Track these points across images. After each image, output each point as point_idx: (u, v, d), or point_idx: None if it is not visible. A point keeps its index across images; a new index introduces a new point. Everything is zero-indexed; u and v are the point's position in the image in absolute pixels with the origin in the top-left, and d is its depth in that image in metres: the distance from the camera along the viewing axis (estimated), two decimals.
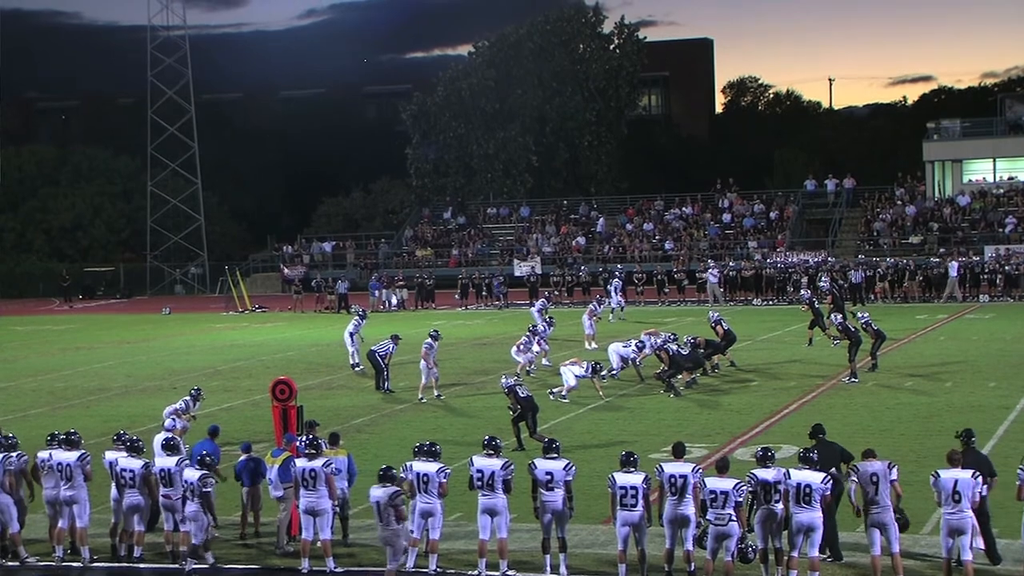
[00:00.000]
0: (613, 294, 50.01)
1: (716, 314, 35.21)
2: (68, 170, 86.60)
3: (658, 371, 31.05)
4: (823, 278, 53.69)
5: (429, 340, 30.97)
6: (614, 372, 32.06)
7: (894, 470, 15.60)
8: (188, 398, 24.41)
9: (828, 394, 29.69)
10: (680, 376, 30.55)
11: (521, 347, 33.70)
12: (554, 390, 29.77)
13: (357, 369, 35.70)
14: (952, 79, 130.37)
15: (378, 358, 31.96)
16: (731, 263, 61.71)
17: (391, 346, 32.33)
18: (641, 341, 32.44)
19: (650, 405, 28.95)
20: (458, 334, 45.16)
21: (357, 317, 38.09)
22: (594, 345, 38.97)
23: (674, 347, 30.96)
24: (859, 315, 33.94)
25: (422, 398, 30.48)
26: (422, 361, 30.67)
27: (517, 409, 24.18)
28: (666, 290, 58.61)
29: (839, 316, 34.07)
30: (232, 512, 19.10)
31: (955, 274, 54.72)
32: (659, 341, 31.66)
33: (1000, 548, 16.01)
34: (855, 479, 15.77)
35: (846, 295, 49.83)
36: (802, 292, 34.17)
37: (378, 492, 16.02)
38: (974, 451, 16.32)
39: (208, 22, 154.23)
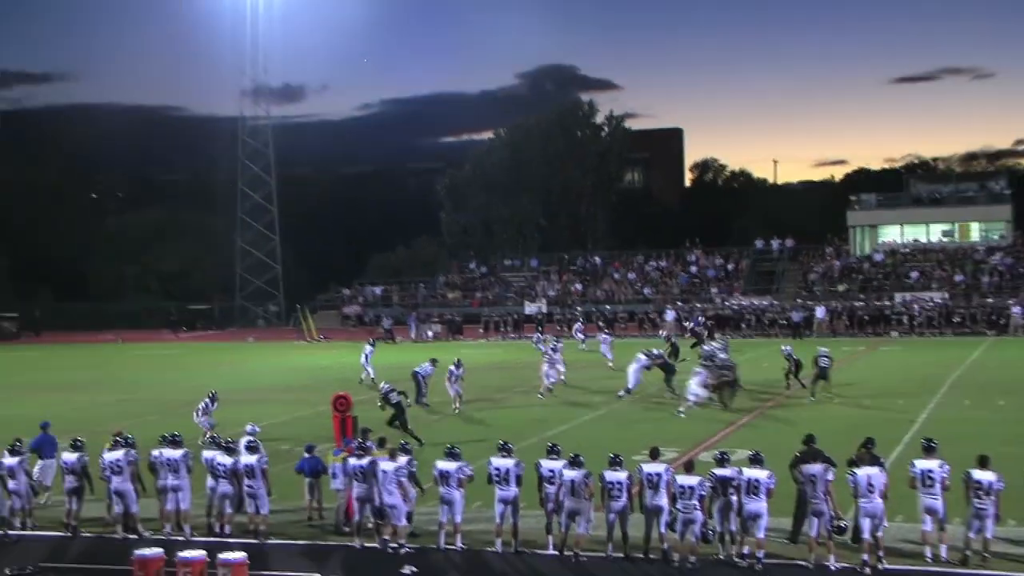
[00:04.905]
0: (577, 334, 49.18)
1: (788, 348, 33.83)
2: (176, 229, 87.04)
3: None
4: (698, 316, 53.29)
5: (451, 368, 31.03)
6: (629, 390, 31.43)
7: (830, 472, 15.55)
8: (207, 399, 24.67)
9: (773, 410, 29.63)
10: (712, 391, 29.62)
11: (547, 363, 33.39)
12: (681, 409, 28.79)
13: (367, 383, 35.78)
14: (863, 161, 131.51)
15: (419, 377, 31.76)
16: (697, 304, 61.77)
17: (430, 368, 32.23)
18: (639, 356, 32.07)
19: (634, 416, 28.93)
20: (482, 360, 45.15)
21: (369, 346, 38.60)
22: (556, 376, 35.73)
23: (723, 355, 30.67)
24: (783, 348, 33.79)
25: (456, 409, 30.52)
26: (446, 382, 30.88)
27: (391, 412, 24.77)
28: (645, 326, 58.58)
29: (787, 347, 33.82)
30: (299, 500, 19.08)
31: (821, 315, 54.89)
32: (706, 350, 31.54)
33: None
34: (800, 478, 15.78)
35: (713, 331, 49.19)
36: (783, 348, 33.56)
37: (572, 473, 15.95)
38: (815, 450, 16.27)
39: (286, 113, 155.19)
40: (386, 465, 16.70)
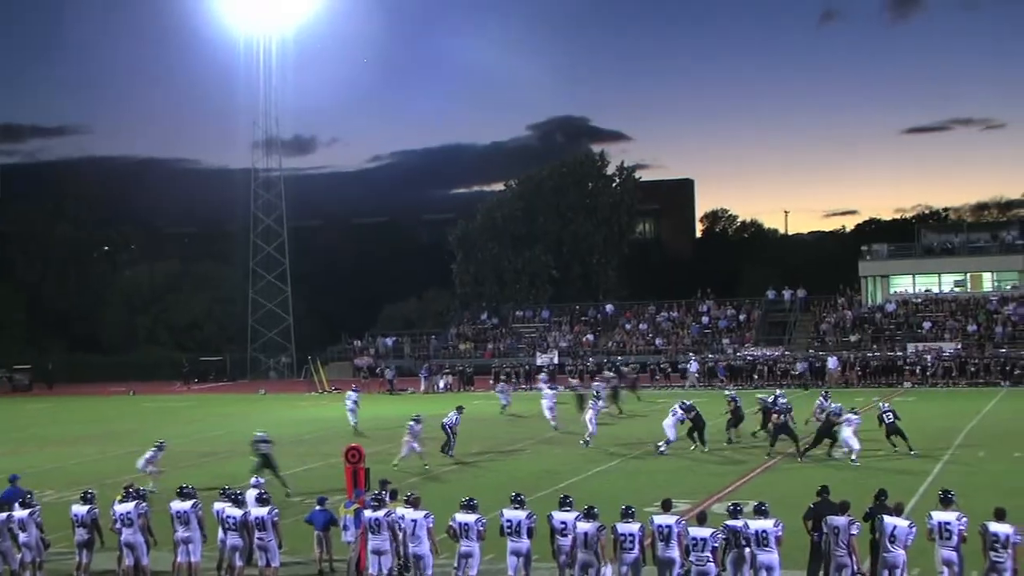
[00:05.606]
0: (544, 386, 46.15)
1: (733, 393, 33.45)
2: (188, 281, 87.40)
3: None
4: (618, 362, 53.38)
5: (411, 423, 29.66)
6: (669, 443, 30.95)
7: (854, 526, 15.45)
8: (155, 449, 24.72)
9: (784, 462, 29.42)
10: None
11: (592, 412, 33.19)
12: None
13: (359, 430, 36.38)
14: (874, 212, 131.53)
15: (447, 428, 31.23)
16: (709, 355, 61.66)
17: (456, 417, 31.74)
18: (674, 409, 31.67)
19: (646, 468, 28.78)
20: (494, 411, 45.02)
21: (353, 392, 39.80)
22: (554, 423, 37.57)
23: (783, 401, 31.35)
24: (759, 397, 33.34)
25: (396, 464, 28.96)
26: (406, 436, 29.50)
27: (263, 462, 25.79)
28: (657, 377, 58.38)
29: (763, 396, 33.47)
30: (309, 552, 18.98)
31: (833, 366, 54.70)
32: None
33: None
34: (824, 528, 15.67)
35: (636, 383, 50.07)
36: (726, 392, 33.28)
37: (586, 525, 15.86)
38: (839, 502, 16.13)
39: (298, 165, 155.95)
40: (413, 514, 16.66)
